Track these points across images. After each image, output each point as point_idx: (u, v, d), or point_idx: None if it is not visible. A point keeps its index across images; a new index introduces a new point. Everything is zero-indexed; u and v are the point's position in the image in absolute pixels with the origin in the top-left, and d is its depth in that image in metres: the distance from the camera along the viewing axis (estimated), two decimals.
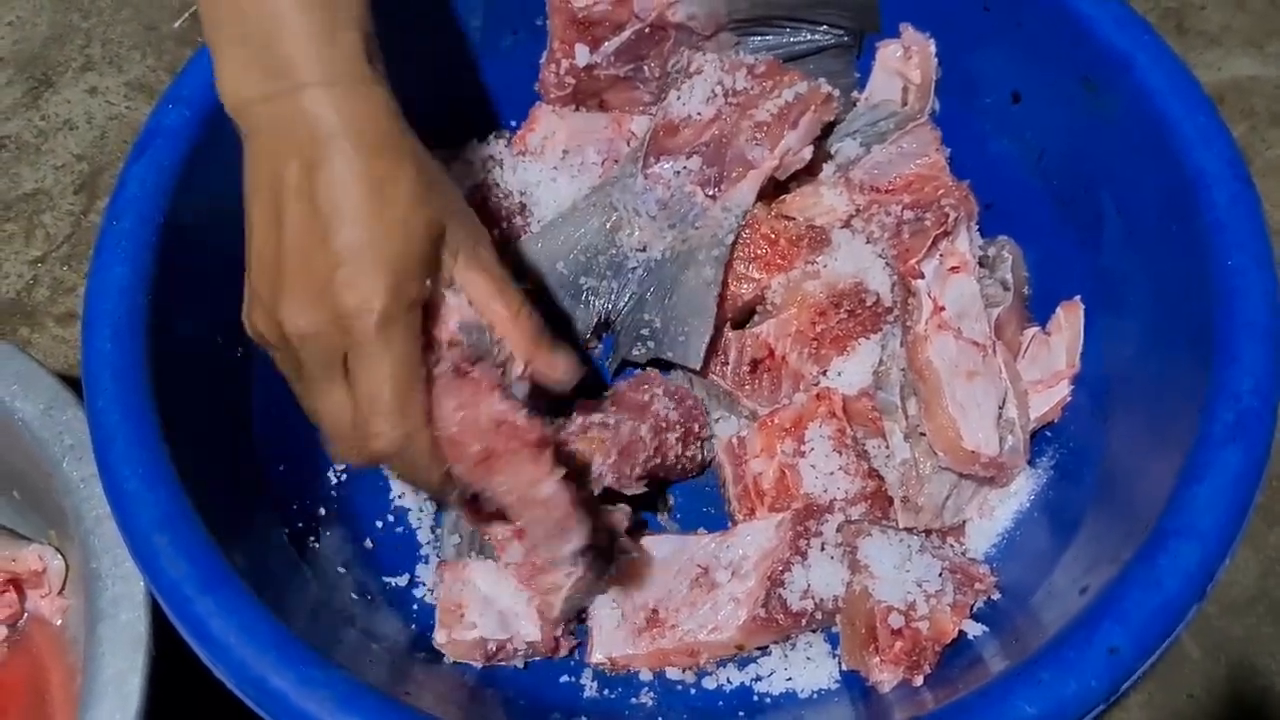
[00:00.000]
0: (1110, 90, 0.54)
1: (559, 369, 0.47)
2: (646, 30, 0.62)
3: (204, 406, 0.52)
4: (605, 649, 0.53)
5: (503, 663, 0.53)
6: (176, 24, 0.86)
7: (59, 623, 0.60)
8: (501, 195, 0.63)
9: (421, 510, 0.60)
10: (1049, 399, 0.56)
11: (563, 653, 0.55)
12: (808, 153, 0.60)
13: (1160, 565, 0.42)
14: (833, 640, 0.55)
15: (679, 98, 0.61)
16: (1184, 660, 0.63)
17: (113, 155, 0.80)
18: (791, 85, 0.60)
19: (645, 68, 0.64)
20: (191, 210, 0.53)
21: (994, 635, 0.50)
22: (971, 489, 0.55)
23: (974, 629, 0.51)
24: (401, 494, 0.60)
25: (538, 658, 0.54)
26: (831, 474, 0.55)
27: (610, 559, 0.52)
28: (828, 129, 0.63)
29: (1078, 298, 0.57)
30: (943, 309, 0.55)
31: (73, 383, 0.50)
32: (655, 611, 0.53)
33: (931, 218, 0.57)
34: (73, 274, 0.77)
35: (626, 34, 0.62)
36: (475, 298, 0.46)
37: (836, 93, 0.61)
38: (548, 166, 0.64)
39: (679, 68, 0.63)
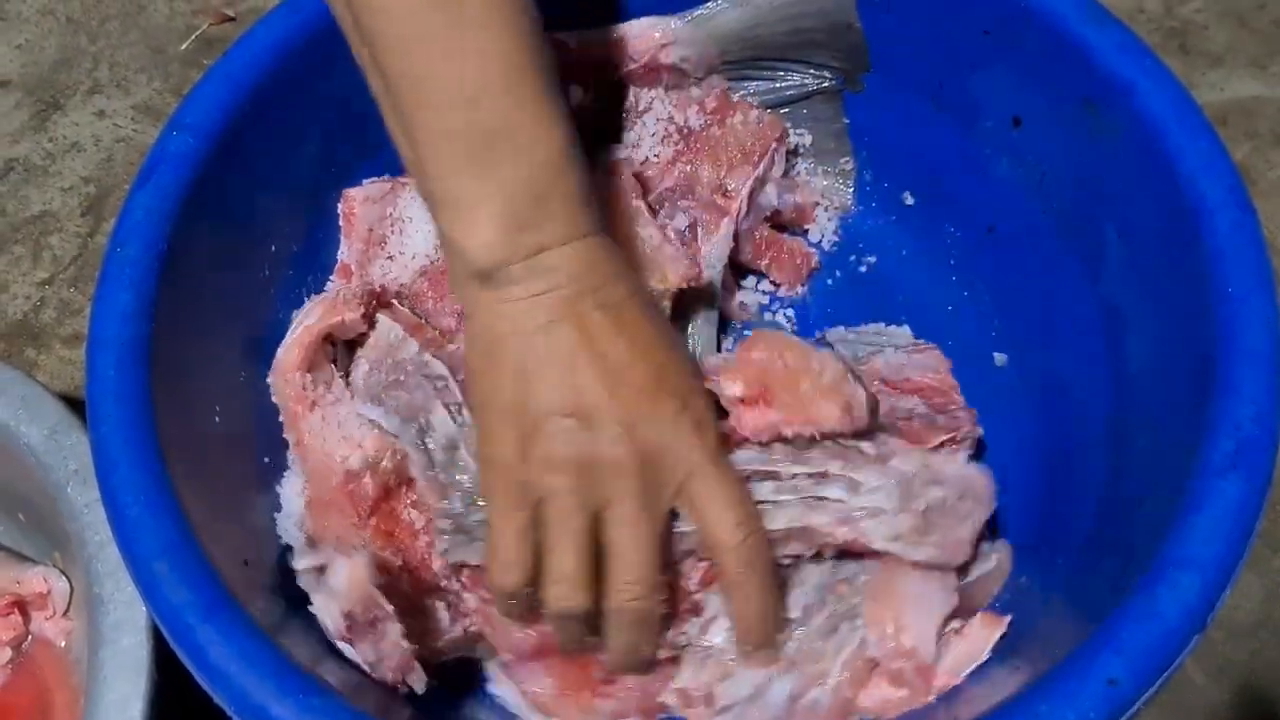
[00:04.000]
0: (1111, 115, 0.54)
1: None
2: (639, 72, 0.61)
3: (207, 434, 0.52)
4: None
5: None
6: (183, 46, 0.86)
7: (63, 644, 0.60)
8: None
9: None
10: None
11: None
12: (772, 192, 0.61)
13: (1160, 596, 0.41)
14: None
15: (634, 140, 0.61)
16: (1187, 686, 0.63)
17: (120, 178, 0.81)
18: (745, 118, 0.60)
19: None
20: (196, 237, 0.53)
21: (995, 661, 0.50)
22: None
23: None
24: None
25: None
26: None
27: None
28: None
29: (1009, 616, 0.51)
30: None
31: (78, 404, 0.50)
32: None
33: (945, 419, 0.54)
34: (80, 296, 0.77)
35: (619, 76, 0.61)
36: None
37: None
38: None
39: (628, 107, 0.62)
